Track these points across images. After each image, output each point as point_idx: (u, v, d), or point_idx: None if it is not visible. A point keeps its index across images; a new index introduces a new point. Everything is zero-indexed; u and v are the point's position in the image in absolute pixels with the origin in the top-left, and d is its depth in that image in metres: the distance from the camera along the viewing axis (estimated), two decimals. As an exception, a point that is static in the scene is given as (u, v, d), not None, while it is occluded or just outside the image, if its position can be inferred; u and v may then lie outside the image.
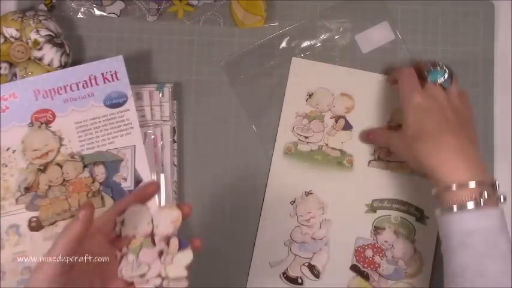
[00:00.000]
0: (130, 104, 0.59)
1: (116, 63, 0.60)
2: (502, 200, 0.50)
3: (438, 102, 0.54)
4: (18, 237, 0.58)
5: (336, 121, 0.63)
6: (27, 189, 0.59)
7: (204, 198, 0.63)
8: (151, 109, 0.62)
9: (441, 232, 0.51)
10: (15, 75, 0.60)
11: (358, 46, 0.65)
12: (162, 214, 0.48)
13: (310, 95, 0.63)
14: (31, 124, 0.59)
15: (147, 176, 0.59)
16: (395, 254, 0.61)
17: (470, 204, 0.48)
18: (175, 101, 0.63)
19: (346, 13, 0.65)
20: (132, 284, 0.46)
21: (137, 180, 0.59)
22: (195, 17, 0.65)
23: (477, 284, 0.47)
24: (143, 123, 0.61)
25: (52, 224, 0.58)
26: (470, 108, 0.57)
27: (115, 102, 0.60)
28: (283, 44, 0.65)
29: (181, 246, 0.47)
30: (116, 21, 0.65)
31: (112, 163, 0.59)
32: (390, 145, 0.59)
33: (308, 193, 0.62)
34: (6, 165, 0.59)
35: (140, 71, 0.64)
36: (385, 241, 0.61)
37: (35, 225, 0.58)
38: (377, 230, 0.62)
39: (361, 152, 0.63)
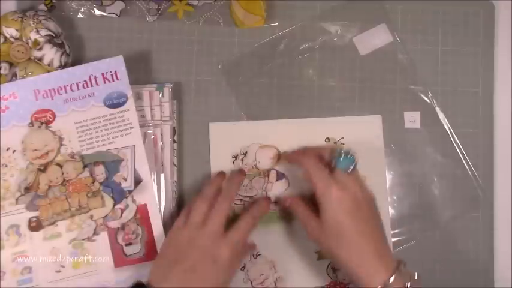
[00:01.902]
0: (131, 104, 0.59)
1: (116, 63, 0.60)
2: (416, 277, 0.51)
3: (352, 195, 0.53)
4: (18, 237, 0.58)
5: (268, 175, 0.62)
6: (27, 189, 0.59)
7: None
8: (151, 109, 0.62)
9: None
10: (15, 75, 0.60)
11: (357, 48, 0.65)
12: (263, 151, 0.60)
13: (235, 156, 0.63)
14: (31, 124, 0.59)
15: (147, 176, 0.59)
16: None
17: None
18: (175, 101, 0.63)
19: (344, 15, 0.65)
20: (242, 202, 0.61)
21: (137, 181, 0.59)
22: (195, 17, 0.65)
23: None
24: (143, 123, 0.61)
25: (52, 224, 0.58)
26: (370, 189, 0.56)
27: (115, 102, 0.59)
28: (282, 46, 0.65)
29: (278, 177, 0.61)
30: (116, 21, 0.65)
31: (112, 163, 0.59)
32: (307, 228, 0.55)
33: (256, 255, 0.62)
34: (6, 165, 0.59)
35: (140, 71, 0.64)
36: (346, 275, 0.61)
37: (35, 225, 0.58)
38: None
39: None
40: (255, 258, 0.62)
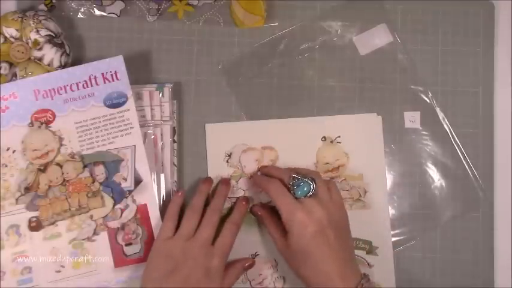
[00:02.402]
0: (131, 104, 0.59)
1: (116, 63, 0.60)
2: None
3: (317, 220, 0.53)
4: (18, 237, 0.58)
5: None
6: (27, 189, 0.59)
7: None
8: (151, 109, 0.62)
9: None
10: (15, 75, 0.60)
11: (357, 48, 0.65)
12: (246, 155, 0.60)
13: (229, 155, 0.63)
14: (31, 124, 0.59)
15: (147, 176, 0.59)
16: None
17: None
18: (175, 101, 0.63)
19: (344, 15, 0.65)
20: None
21: (137, 181, 0.59)
22: (195, 17, 0.65)
23: None
24: (143, 123, 0.61)
25: (52, 224, 0.58)
26: (342, 203, 0.57)
27: (115, 102, 0.60)
28: (282, 46, 0.65)
29: None
30: (116, 21, 0.65)
31: (112, 163, 0.59)
32: (275, 244, 0.57)
33: (255, 255, 0.62)
34: (6, 165, 0.59)
35: (140, 71, 0.64)
36: None
37: (35, 225, 0.58)
38: None
39: None
40: (254, 258, 0.62)
